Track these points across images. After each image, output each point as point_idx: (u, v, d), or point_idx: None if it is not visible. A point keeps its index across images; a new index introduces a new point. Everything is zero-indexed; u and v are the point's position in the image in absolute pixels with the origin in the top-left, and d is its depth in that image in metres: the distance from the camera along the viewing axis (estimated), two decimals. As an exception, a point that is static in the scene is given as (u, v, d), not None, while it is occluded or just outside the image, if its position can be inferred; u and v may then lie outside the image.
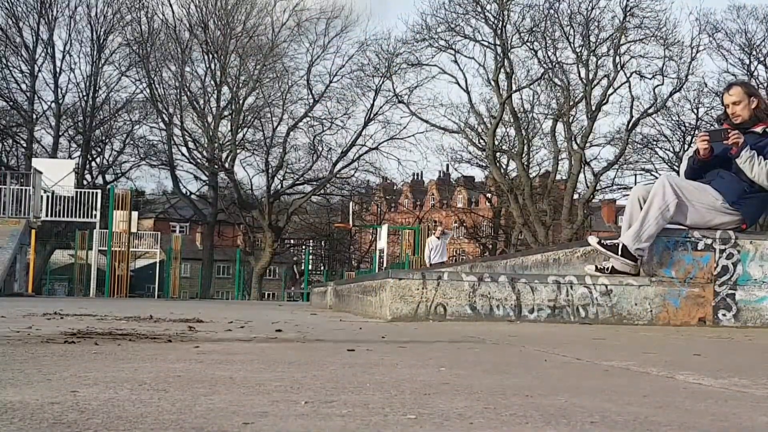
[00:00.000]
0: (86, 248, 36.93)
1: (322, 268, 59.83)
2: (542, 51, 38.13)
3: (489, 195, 52.40)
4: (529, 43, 38.19)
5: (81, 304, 10.95)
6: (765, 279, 6.08)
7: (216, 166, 43.49)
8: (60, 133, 42.26)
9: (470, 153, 42.89)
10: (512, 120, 39.11)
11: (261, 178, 55.20)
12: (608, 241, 6.05)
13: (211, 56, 44.13)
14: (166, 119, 43.75)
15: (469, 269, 9.78)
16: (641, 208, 5.94)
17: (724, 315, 5.95)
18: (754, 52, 40.12)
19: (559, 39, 37.98)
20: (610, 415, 1.79)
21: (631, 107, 38.52)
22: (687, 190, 5.89)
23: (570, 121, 38.22)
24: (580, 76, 38.27)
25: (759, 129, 5.89)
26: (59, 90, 42.05)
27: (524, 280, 6.21)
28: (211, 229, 46.60)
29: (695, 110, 40.29)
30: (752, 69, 40.00)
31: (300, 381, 2.33)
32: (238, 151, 44.20)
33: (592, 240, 6.20)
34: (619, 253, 5.90)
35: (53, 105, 42.08)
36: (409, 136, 44.58)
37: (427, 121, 41.70)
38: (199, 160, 44.41)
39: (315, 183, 45.18)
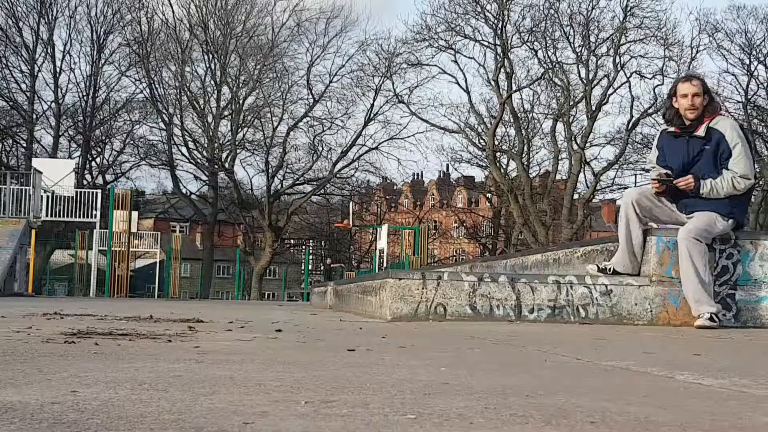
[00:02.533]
0: (86, 248, 36.92)
1: (322, 268, 59.80)
2: (542, 51, 38.12)
3: (489, 195, 52.36)
4: (529, 43, 38.17)
5: (81, 304, 10.95)
6: (765, 279, 6.08)
7: (216, 166, 43.47)
8: (60, 133, 42.23)
9: (470, 153, 42.91)
10: (512, 120, 39.09)
11: (261, 178, 55.19)
12: (607, 265, 6.14)
13: (211, 56, 44.12)
14: (166, 119, 43.73)
15: (469, 269, 9.78)
16: (636, 214, 5.97)
17: (724, 315, 5.94)
18: (754, 52, 40.14)
19: (559, 39, 37.98)
20: (610, 415, 1.79)
21: (631, 107, 38.52)
22: (705, 232, 5.82)
23: (570, 121, 38.20)
24: (580, 76, 38.28)
25: (701, 131, 5.88)
26: (59, 90, 42.04)
27: (524, 280, 6.21)
28: (211, 229, 46.58)
29: (695, 110, 40.17)
30: (752, 69, 40.03)
31: (300, 381, 2.33)
32: (238, 151, 44.19)
33: (592, 269, 6.23)
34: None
35: (53, 105, 42.04)
36: (409, 136, 44.53)
37: (427, 121, 41.71)
38: (199, 160, 44.40)
39: (315, 183, 45.16)
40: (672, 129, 6.04)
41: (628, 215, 6.04)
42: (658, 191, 5.96)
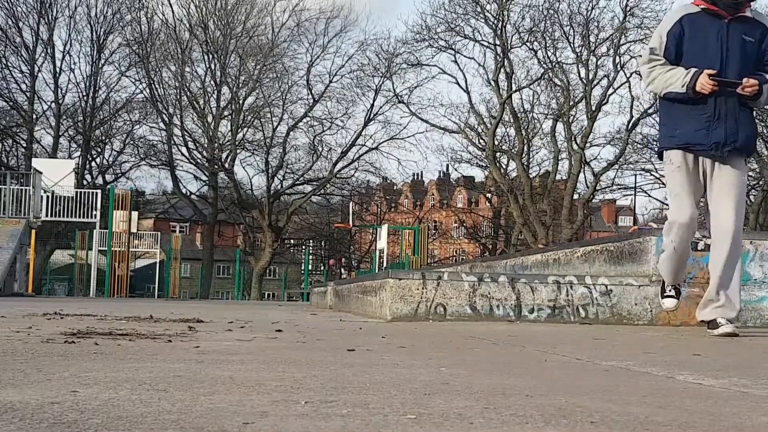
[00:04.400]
0: (86, 248, 36.89)
1: (322, 268, 59.77)
2: (542, 51, 38.10)
3: (489, 195, 52.38)
4: (528, 43, 38.17)
5: (81, 304, 10.95)
6: (765, 279, 6.08)
7: (216, 166, 43.47)
8: (60, 133, 42.20)
9: (470, 153, 42.90)
10: (512, 120, 39.09)
11: (261, 178, 55.24)
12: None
13: (211, 56, 44.11)
14: (166, 119, 43.72)
15: (469, 269, 9.78)
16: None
17: (724, 315, 5.94)
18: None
19: (559, 39, 37.96)
20: (610, 415, 1.79)
21: (631, 107, 38.48)
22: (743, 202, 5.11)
23: (570, 121, 38.19)
24: (580, 76, 38.27)
25: (748, 12, 4.88)
26: (59, 90, 42.00)
27: (524, 280, 6.21)
28: (211, 229, 46.57)
29: (695, 110, 40.15)
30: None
31: (300, 381, 2.33)
32: (238, 151, 44.18)
33: None
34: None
35: (53, 105, 42.02)
36: (409, 136, 44.54)
37: (427, 121, 41.69)
38: (199, 160, 44.39)
39: (315, 183, 45.16)
40: (704, 6, 4.86)
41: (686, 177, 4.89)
42: (704, 93, 4.72)
